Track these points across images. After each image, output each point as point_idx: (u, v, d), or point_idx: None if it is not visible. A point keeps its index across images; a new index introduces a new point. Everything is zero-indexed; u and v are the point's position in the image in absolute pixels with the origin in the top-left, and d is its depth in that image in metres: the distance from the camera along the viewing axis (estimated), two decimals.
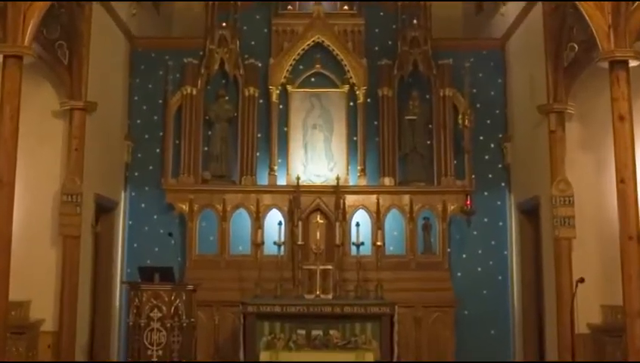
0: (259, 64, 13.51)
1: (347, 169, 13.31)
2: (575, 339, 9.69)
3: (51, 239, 11.05)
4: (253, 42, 13.76)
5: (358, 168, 13.27)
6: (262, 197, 13.09)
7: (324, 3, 13.59)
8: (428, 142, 13.35)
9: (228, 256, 12.97)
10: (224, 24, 13.40)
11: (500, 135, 13.54)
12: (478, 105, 13.48)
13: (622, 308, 9.42)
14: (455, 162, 13.13)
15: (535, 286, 12.54)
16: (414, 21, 13.43)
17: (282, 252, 12.54)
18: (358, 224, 12.53)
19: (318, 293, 11.95)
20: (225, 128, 13.42)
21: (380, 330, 11.10)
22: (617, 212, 9.41)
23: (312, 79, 13.69)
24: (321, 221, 12.93)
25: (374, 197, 13.09)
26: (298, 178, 13.01)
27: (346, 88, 13.51)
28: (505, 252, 13.30)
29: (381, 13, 13.74)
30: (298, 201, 12.83)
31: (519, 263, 12.94)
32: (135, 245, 13.29)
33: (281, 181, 13.27)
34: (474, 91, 13.40)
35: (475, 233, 13.27)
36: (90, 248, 11.92)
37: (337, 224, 12.59)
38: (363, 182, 13.20)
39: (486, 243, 13.31)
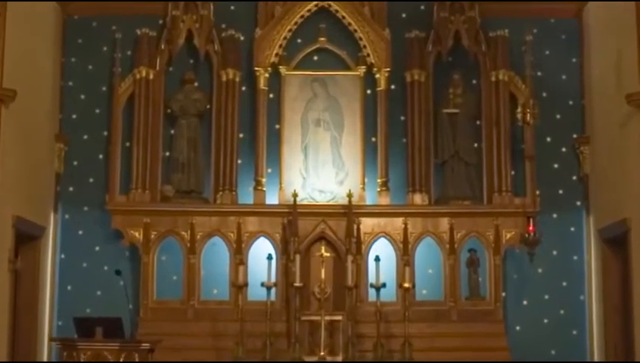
0: (241, 37, 13.51)
1: (363, 182, 13.29)
2: None
3: None
4: (232, 7, 13.77)
5: (379, 180, 13.25)
6: (245, 220, 13.05)
7: None
8: (475, 145, 13.36)
9: (198, 303, 12.94)
10: None
11: (574, 136, 13.55)
12: (544, 94, 13.48)
13: None
14: (513, 172, 13.12)
15: (623, 344, 12.44)
16: None
17: (273, 298, 12.52)
18: (378, 259, 12.50)
19: (322, 353, 11.93)
20: (193, 125, 13.39)
21: None
22: None
23: (315, 58, 13.71)
24: (327, 255, 12.84)
25: (400, 221, 13.05)
26: (295, 195, 12.92)
27: (362, 70, 13.50)
28: (582, 297, 13.29)
29: None
30: (295, 227, 12.76)
31: (601, 312, 12.88)
32: (70, 287, 13.26)
33: (272, 198, 13.23)
34: (539, 74, 13.40)
35: (540, 271, 13.25)
36: (7, 291, 11.80)
37: (349, 258, 12.54)
38: (385, 201, 13.18)
39: (555, 284, 13.29)
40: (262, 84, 13.42)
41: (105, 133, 13.48)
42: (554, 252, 13.34)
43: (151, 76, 13.31)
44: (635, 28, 11.42)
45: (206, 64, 13.59)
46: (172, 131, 13.45)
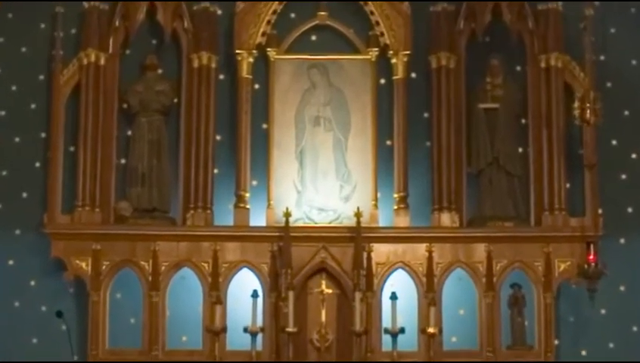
0: (219, 11, 13.57)
1: (375, 198, 13.33)
2: None
3: None
4: None
5: (395, 196, 13.28)
6: (223, 247, 13.06)
7: None
8: (520, 150, 13.41)
9: (163, 353, 12.93)
10: None
11: None
12: (609, 84, 13.52)
13: None
14: (568, 185, 13.18)
15: None
16: None
17: (259, 347, 12.59)
18: (394, 297, 12.54)
19: None
20: (156, 124, 13.41)
21: None
22: None
23: (313, 38, 13.79)
24: (329, 291, 12.90)
25: (422, 248, 13.06)
26: (287, 214, 12.94)
27: (374, 53, 13.56)
28: None
29: None
30: (288, 255, 12.77)
31: None
32: None
33: (257, 219, 13.27)
34: (602, 58, 13.48)
35: (603, 312, 13.26)
36: None
37: (358, 296, 12.57)
38: (404, 222, 13.20)
39: (622, 329, 13.29)
40: (245, 71, 13.47)
41: (43, 134, 13.52)
42: (622, 288, 13.36)
43: (102, 61, 13.35)
44: None
45: (173, 46, 13.65)
46: (130, 133, 13.49)
